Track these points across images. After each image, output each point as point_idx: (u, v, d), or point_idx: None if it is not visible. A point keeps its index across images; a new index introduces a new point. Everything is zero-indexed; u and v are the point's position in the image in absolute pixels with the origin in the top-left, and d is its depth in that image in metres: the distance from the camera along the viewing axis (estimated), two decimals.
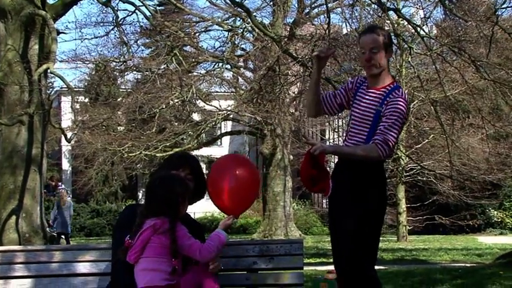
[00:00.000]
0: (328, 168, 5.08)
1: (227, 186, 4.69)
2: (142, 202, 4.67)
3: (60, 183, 22.37)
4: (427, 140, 28.47)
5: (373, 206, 5.14)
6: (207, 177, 4.81)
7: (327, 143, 32.45)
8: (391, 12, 17.04)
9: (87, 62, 28.49)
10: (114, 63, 24.88)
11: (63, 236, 21.68)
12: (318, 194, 35.45)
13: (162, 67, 24.71)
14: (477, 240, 27.35)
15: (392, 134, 5.00)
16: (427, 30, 19.85)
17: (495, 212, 33.03)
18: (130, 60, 24.11)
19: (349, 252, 4.99)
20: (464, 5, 17.60)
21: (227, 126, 38.58)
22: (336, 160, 5.39)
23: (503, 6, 17.06)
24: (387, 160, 5.30)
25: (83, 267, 4.75)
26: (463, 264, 14.88)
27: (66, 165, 42.83)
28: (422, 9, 23.69)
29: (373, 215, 5.14)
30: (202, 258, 4.22)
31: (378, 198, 5.20)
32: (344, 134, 5.40)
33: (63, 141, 33.81)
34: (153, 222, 4.14)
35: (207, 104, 29.98)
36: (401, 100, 5.10)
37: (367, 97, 5.20)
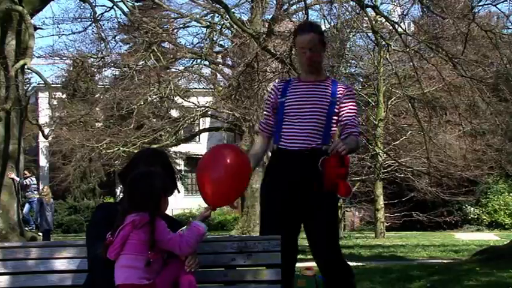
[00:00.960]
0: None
1: (216, 176, 4.66)
2: (117, 201, 4.66)
3: (29, 175, 22.03)
4: (404, 137, 28.60)
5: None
6: (201, 160, 4.79)
7: None
8: (369, 9, 17.10)
9: (65, 58, 28.37)
10: (92, 59, 24.80)
11: (40, 234, 21.51)
12: None
13: (140, 63, 24.62)
14: (454, 236, 27.51)
15: (357, 123, 5.26)
16: (404, 27, 19.92)
17: (472, 209, 33.28)
18: (108, 56, 24.04)
19: (332, 242, 5.15)
20: (441, 2, 17.72)
21: (205, 122, 38.50)
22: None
23: (479, 4, 17.19)
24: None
25: (60, 264, 4.72)
26: (440, 261, 14.95)
27: (43, 161, 42.57)
28: (400, 6, 23.82)
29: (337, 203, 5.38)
30: (183, 252, 4.21)
31: None
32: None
33: (41, 138, 33.55)
34: (132, 219, 4.14)
35: (185, 101, 29.93)
36: (353, 92, 5.38)
37: (312, 89, 5.29)
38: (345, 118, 5.17)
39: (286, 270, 4.92)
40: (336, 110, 5.20)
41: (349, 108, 5.20)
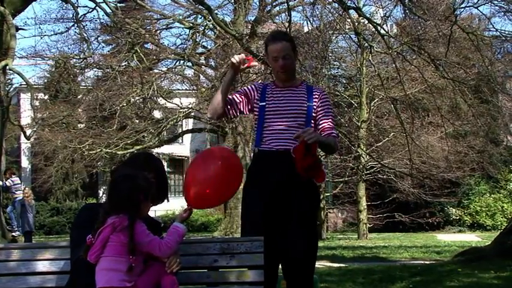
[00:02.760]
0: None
1: (202, 177, 4.65)
2: (102, 202, 4.64)
3: (8, 177, 21.85)
4: (387, 138, 28.68)
5: (319, 198, 5.44)
6: (192, 161, 4.78)
7: None
8: (351, 11, 17.13)
9: (47, 59, 28.28)
10: (74, 60, 24.72)
11: (17, 234, 21.37)
12: None
13: (122, 64, 24.58)
14: (436, 237, 27.61)
15: (333, 125, 5.38)
16: (387, 29, 20.00)
17: (454, 210, 33.43)
18: (91, 57, 23.97)
19: (306, 252, 5.20)
20: (423, 4, 17.79)
21: (188, 124, 38.45)
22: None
23: (461, 6, 17.25)
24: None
25: (42, 266, 4.69)
26: (422, 262, 14.99)
27: (25, 162, 42.33)
28: (383, 8, 23.91)
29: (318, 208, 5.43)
30: (163, 254, 4.20)
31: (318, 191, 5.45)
32: (256, 130, 5.47)
33: (23, 139, 33.38)
34: (112, 221, 4.12)
35: (168, 102, 29.90)
36: (328, 96, 5.52)
37: (289, 94, 5.38)
38: (322, 122, 5.27)
39: (269, 274, 4.94)
40: (314, 114, 5.29)
41: (325, 112, 5.30)
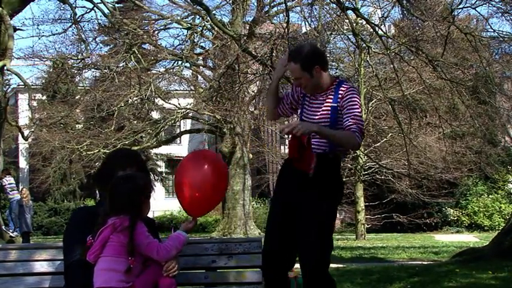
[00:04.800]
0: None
1: (193, 187, 4.63)
2: (93, 205, 4.61)
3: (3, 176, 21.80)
4: (385, 139, 28.68)
5: (337, 202, 5.33)
6: (181, 167, 4.72)
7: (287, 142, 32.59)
8: (349, 12, 17.11)
9: (45, 59, 28.24)
10: (72, 61, 24.66)
11: (15, 234, 21.35)
12: None
13: (120, 65, 24.55)
14: (434, 238, 27.62)
15: (362, 123, 5.17)
16: (385, 30, 19.99)
17: (451, 211, 33.44)
18: (89, 57, 23.93)
19: (319, 252, 5.10)
20: (421, 5, 17.80)
21: (186, 124, 38.46)
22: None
23: (459, 7, 17.26)
24: (346, 158, 5.44)
25: (39, 266, 4.69)
26: (420, 262, 15.00)
27: (23, 163, 42.32)
28: (380, 8, 23.89)
29: (335, 211, 5.31)
30: (160, 258, 4.20)
31: (339, 194, 5.38)
32: None
33: (20, 139, 33.30)
34: (113, 221, 4.12)
35: (166, 102, 29.88)
36: (353, 89, 5.32)
37: (315, 102, 5.36)
38: (344, 120, 5.18)
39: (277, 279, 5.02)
40: (339, 113, 5.22)
41: (348, 109, 5.17)
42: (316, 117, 5.28)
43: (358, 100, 5.23)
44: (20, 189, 23.78)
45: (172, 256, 4.26)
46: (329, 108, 5.23)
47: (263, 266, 4.80)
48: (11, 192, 22.08)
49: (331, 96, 5.26)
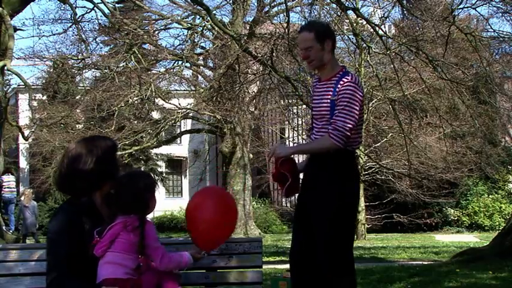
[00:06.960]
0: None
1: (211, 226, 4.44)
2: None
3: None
4: (385, 139, 28.65)
5: (349, 199, 5.23)
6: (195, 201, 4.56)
7: (287, 142, 32.57)
8: (350, 12, 17.12)
9: (45, 59, 28.23)
10: (73, 61, 24.68)
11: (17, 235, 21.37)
12: (278, 193, 35.55)
13: (121, 65, 24.54)
14: (434, 238, 27.61)
15: (343, 119, 5.06)
16: (385, 30, 20.00)
17: (452, 211, 33.38)
18: (89, 57, 23.95)
19: (322, 253, 5.07)
20: (421, 5, 17.80)
21: (187, 124, 38.41)
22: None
23: (459, 7, 17.25)
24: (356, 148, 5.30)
25: (39, 266, 4.69)
26: (420, 262, 15.00)
27: (23, 163, 42.27)
28: (381, 8, 23.89)
29: (346, 208, 5.20)
30: (161, 265, 4.21)
31: (354, 192, 5.31)
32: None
33: (21, 139, 33.24)
34: (124, 219, 4.15)
35: (167, 102, 29.84)
36: (350, 84, 5.16)
37: (319, 90, 5.32)
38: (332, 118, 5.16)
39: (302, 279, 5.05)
40: (336, 108, 5.16)
41: (339, 106, 5.11)
42: (319, 108, 5.26)
43: (352, 97, 5.09)
44: (22, 190, 23.84)
45: (170, 269, 4.28)
46: (328, 101, 5.18)
47: (290, 266, 4.91)
48: (5, 190, 22.13)
49: (331, 88, 5.19)
